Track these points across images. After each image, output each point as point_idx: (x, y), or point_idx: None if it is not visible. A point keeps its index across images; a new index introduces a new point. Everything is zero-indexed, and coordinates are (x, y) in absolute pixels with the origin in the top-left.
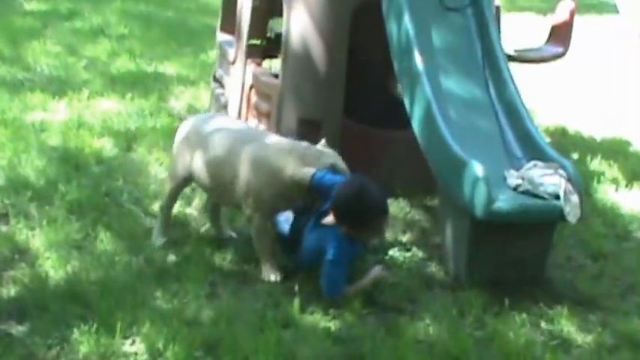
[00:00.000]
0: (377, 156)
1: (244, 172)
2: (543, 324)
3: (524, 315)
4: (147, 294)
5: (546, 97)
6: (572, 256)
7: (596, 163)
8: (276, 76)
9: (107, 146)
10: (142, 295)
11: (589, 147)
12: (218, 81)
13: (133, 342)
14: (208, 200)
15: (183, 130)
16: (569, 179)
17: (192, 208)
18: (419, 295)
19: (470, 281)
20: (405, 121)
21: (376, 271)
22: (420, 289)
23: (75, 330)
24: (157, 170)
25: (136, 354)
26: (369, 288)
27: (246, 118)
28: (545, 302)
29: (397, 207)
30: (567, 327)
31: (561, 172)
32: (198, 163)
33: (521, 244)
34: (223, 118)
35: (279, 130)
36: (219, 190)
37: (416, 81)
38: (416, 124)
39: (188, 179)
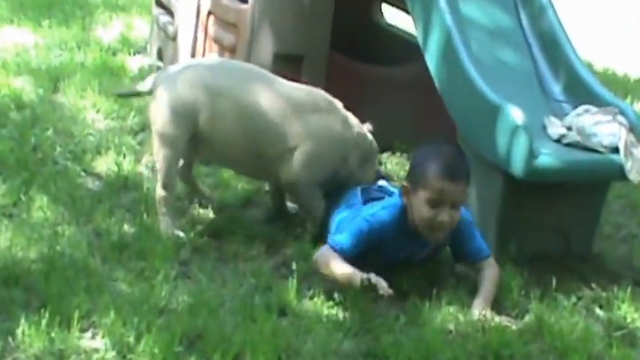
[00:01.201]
0: (372, 99)
1: (308, 147)
2: (599, 310)
3: (573, 298)
4: (104, 274)
5: (586, 30)
6: (621, 224)
7: None
8: None
9: (27, 87)
10: (98, 276)
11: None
12: (163, 5)
13: (94, 335)
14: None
15: (177, 87)
16: (631, 128)
17: (142, 165)
18: (440, 274)
19: (503, 257)
20: (398, 57)
21: (371, 276)
22: (440, 267)
23: (20, 321)
24: (95, 118)
25: (98, 350)
26: (344, 282)
27: (203, 54)
28: (599, 283)
29: (397, 162)
30: (630, 314)
31: (621, 118)
32: (219, 134)
33: (566, 209)
34: (238, 67)
35: (248, 50)
36: (252, 163)
37: (431, 5)
38: (432, 60)
39: (193, 154)
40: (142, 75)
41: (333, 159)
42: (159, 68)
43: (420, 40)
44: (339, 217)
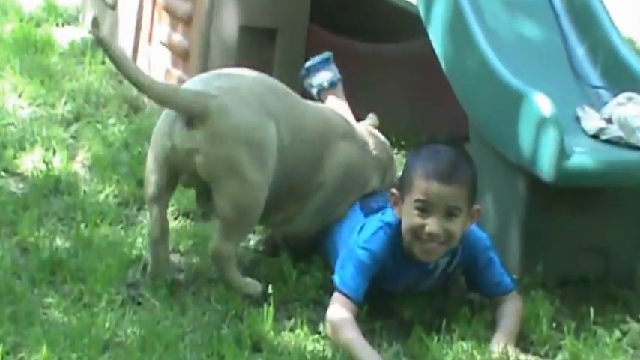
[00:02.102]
0: (364, 82)
1: (333, 179)
2: None
3: (617, 333)
4: (33, 300)
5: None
6: None
7: None
8: None
9: None
10: (25, 302)
11: None
12: None
13: None
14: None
15: (252, 116)
16: None
17: (77, 162)
18: (450, 302)
19: (528, 280)
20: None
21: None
22: (451, 292)
23: None
24: (17, 104)
25: None
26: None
27: (150, 27)
28: None
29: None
30: None
31: None
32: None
33: (605, 221)
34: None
35: (207, 43)
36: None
37: None
38: (436, 36)
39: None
40: (74, 51)
41: (351, 198)
42: (95, 42)
43: (421, 10)
44: (341, 238)
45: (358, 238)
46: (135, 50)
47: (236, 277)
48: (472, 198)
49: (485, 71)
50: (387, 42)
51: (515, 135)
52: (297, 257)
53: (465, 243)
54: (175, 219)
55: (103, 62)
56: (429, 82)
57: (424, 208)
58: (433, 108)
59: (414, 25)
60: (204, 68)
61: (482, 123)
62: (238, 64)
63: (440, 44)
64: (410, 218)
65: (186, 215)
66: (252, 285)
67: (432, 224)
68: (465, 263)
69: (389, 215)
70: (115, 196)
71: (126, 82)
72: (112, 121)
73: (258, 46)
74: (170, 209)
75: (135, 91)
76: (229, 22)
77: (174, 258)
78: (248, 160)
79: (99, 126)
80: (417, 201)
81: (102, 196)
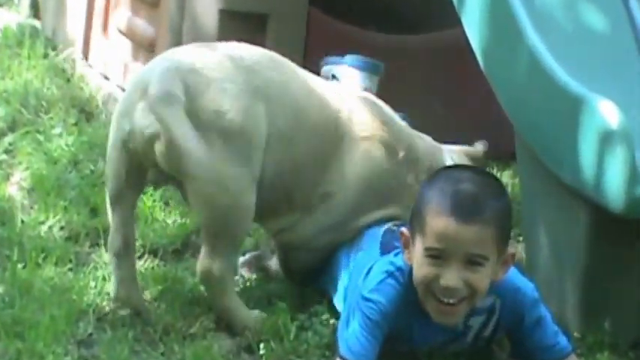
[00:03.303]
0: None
1: (345, 189)
2: None
3: None
4: None
5: None
6: None
7: None
8: None
9: None
10: None
11: None
12: None
13: None
14: None
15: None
16: None
17: (13, 184)
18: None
19: (591, 339)
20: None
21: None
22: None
23: None
24: None
25: None
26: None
27: (106, 10)
28: None
29: None
30: None
31: None
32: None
33: None
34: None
35: (179, 31)
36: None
37: None
38: (472, 25)
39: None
40: (7, 41)
41: (369, 217)
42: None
43: None
44: (348, 277)
45: (363, 286)
46: (86, 41)
47: (233, 304)
48: (503, 239)
49: (536, 70)
50: (409, 32)
51: (574, 152)
52: (297, 306)
53: (505, 297)
54: (140, 257)
55: (46, 55)
56: (460, 82)
57: (439, 255)
58: (464, 115)
59: (441, 13)
60: None
61: (532, 136)
62: None
63: (476, 36)
64: (421, 267)
65: (153, 253)
66: (255, 317)
67: (448, 276)
68: (508, 324)
69: (398, 258)
70: (62, 228)
71: (75, 80)
72: (56, 130)
73: (244, 35)
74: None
75: (87, 93)
76: (207, 5)
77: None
78: (223, 151)
79: (40, 137)
80: (429, 247)
81: (44, 228)
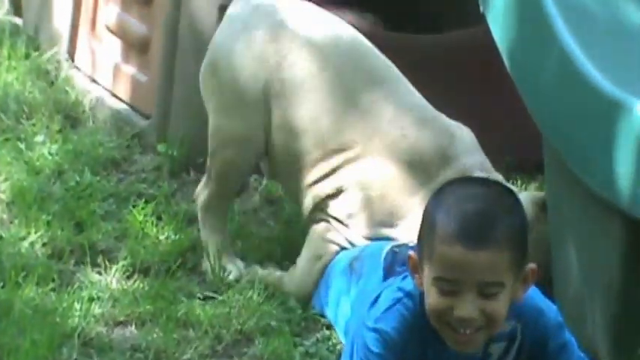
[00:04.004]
0: None
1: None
2: None
3: None
4: None
5: None
6: None
7: None
8: None
9: None
10: None
11: None
12: None
13: None
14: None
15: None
16: None
17: None
18: None
19: None
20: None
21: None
22: None
23: None
24: None
25: None
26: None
27: (94, 5)
28: None
29: None
30: None
31: None
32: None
33: None
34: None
35: (174, 29)
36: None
37: None
38: (498, 24)
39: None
40: None
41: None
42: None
43: None
44: (350, 308)
45: (368, 316)
46: (72, 39)
47: (210, 238)
48: (520, 260)
49: (568, 71)
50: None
51: (609, 160)
52: (300, 331)
53: (528, 321)
54: (130, 277)
55: (27, 55)
56: (481, 85)
57: (449, 287)
58: (486, 121)
59: (464, 10)
60: (170, 63)
61: (562, 144)
62: None
63: (503, 35)
64: (432, 297)
65: (144, 272)
66: (231, 266)
67: (462, 307)
68: (530, 350)
69: (407, 281)
70: (44, 245)
71: (59, 83)
72: (39, 138)
73: None
74: (122, 263)
75: (72, 97)
76: (206, 2)
77: (128, 332)
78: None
79: (21, 145)
80: (439, 277)
81: (25, 244)
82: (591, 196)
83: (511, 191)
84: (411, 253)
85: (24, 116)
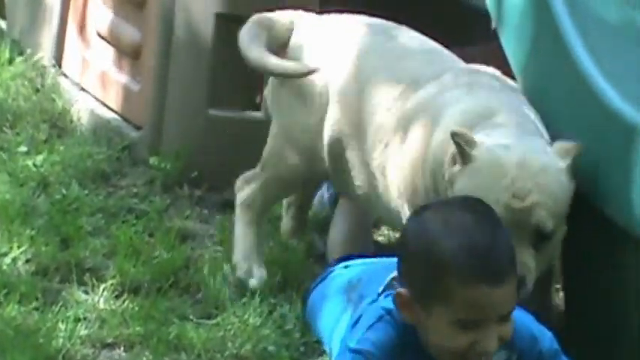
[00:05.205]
0: None
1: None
2: None
3: None
4: None
5: None
6: None
7: None
8: None
9: None
10: None
11: None
12: None
13: None
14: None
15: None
16: None
17: None
18: None
19: None
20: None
21: None
22: None
23: None
24: None
25: None
26: None
27: (83, 10)
28: None
29: None
30: None
31: None
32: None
33: None
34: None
35: (169, 36)
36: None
37: None
38: (511, 41)
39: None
40: None
41: None
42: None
43: (490, 4)
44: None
45: (350, 337)
46: (59, 44)
47: (241, 238)
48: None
49: (583, 91)
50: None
51: (627, 188)
52: (299, 356)
53: (522, 350)
54: (119, 296)
55: (11, 61)
56: None
57: (471, 325)
58: None
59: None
60: (163, 72)
61: (579, 169)
62: (213, 65)
63: (516, 53)
64: (451, 338)
65: (134, 291)
66: (254, 273)
67: (487, 342)
68: None
69: (387, 301)
70: (27, 261)
71: (45, 91)
72: (23, 148)
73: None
74: (111, 282)
75: (59, 106)
76: (202, 8)
77: (116, 355)
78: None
79: (4, 156)
80: (459, 319)
81: (7, 260)
82: (608, 224)
83: (486, 204)
84: (400, 290)
85: (7, 125)
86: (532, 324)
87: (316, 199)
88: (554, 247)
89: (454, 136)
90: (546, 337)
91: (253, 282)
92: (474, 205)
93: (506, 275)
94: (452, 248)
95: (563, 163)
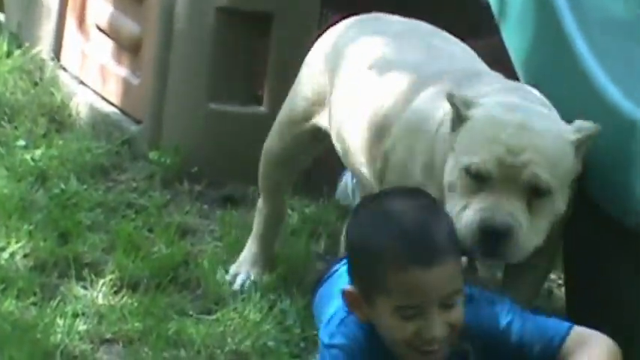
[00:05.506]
0: None
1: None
2: None
3: None
4: None
5: None
6: None
7: None
8: None
9: None
10: None
11: None
12: None
13: None
14: None
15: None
16: None
17: None
18: None
19: None
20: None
21: None
22: None
23: None
24: None
25: None
26: None
27: (82, 3)
28: None
29: None
30: None
31: None
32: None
33: None
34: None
35: (169, 30)
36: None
37: None
38: (512, 36)
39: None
40: None
41: None
42: None
43: (492, 0)
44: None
45: (324, 334)
46: (58, 38)
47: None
48: (459, 264)
49: (585, 88)
50: None
51: (630, 185)
52: (299, 352)
53: (473, 338)
54: (117, 292)
55: (9, 54)
56: None
57: (413, 312)
58: None
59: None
60: (163, 66)
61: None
62: (214, 59)
63: (518, 48)
64: (396, 328)
65: (132, 287)
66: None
67: (430, 327)
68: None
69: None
70: (26, 256)
71: (44, 84)
72: (21, 142)
73: (245, 37)
74: (109, 277)
75: (58, 100)
76: (202, 2)
77: (115, 351)
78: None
79: (2, 150)
80: (399, 308)
81: (5, 255)
82: (617, 226)
83: (424, 191)
84: (347, 288)
85: (5, 119)
86: (482, 311)
87: (340, 188)
88: (551, 208)
89: (450, 97)
90: (504, 309)
91: (235, 286)
92: (411, 194)
93: (439, 256)
94: (384, 237)
95: (571, 135)
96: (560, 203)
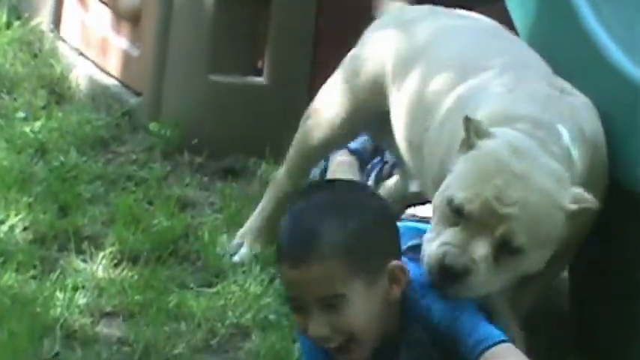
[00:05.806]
0: None
1: None
2: None
3: None
4: None
5: None
6: None
7: None
8: None
9: None
10: None
11: None
12: None
13: None
14: None
15: None
16: None
17: None
18: None
19: None
20: None
21: None
22: None
23: None
24: None
25: None
26: None
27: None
28: None
29: None
30: None
31: None
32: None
33: None
34: None
35: (168, 1)
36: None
37: None
38: (516, 3)
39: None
40: None
41: None
42: None
43: None
44: None
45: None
46: (57, 9)
47: (254, 213)
48: (363, 265)
49: (594, 57)
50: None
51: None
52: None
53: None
54: (117, 265)
55: (9, 25)
56: None
57: (296, 304)
58: None
59: None
60: (163, 37)
61: None
62: (214, 30)
63: (521, 16)
64: (297, 322)
65: (133, 260)
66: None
67: (310, 326)
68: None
69: None
70: (25, 229)
71: (44, 56)
72: (21, 114)
73: (244, 13)
74: (109, 250)
75: (58, 71)
76: None
77: (115, 325)
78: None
79: (1, 121)
80: (289, 299)
81: (4, 228)
82: (623, 194)
83: (363, 189)
84: None
85: (4, 91)
86: (421, 303)
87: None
88: (519, 266)
89: (466, 121)
90: (436, 310)
91: (236, 258)
92: (333, 190)
93: (308, 259)
94: (279, 231)
95: (567, 204)
96: (533, 263)
